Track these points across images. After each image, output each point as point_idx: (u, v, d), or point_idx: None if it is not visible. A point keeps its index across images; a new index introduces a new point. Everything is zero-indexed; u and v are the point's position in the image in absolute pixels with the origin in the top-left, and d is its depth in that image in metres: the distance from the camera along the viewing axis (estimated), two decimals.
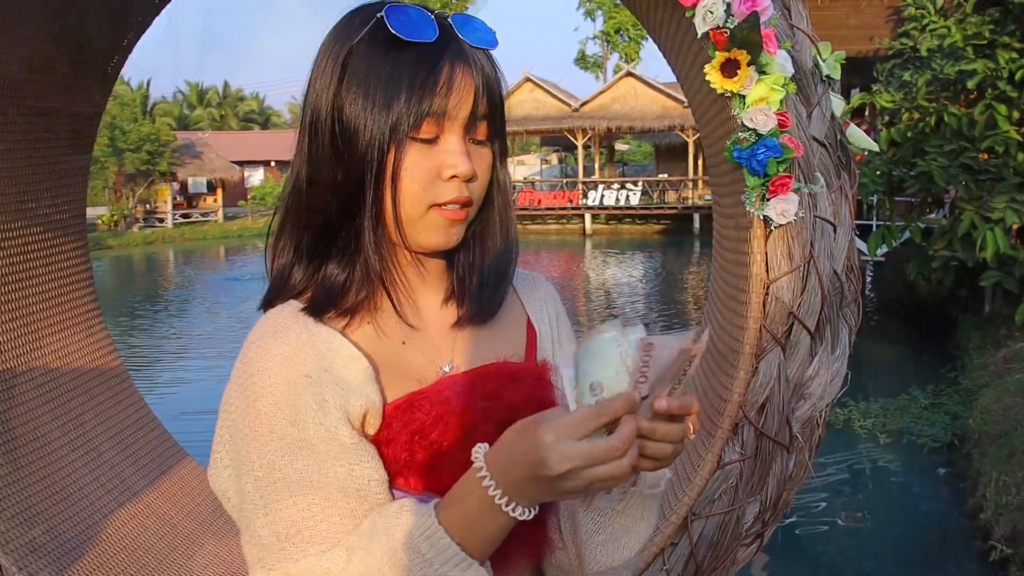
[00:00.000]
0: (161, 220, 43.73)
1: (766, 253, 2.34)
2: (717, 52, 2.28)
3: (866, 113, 17.11)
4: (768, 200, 2.29)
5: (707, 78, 2.31)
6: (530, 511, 1.11)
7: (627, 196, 37.05)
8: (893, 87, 12.55)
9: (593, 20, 57.07)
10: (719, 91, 2.29)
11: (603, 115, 35.82)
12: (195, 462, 3.84)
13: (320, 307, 1.27)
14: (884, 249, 13.10)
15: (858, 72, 16.29)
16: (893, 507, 7.66)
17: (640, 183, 37.73)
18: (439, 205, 1.25)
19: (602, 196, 37.16)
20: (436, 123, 1.23)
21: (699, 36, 2.29)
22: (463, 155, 1.24)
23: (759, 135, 2.25)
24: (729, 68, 2.28)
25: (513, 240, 1.43)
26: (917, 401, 9.73)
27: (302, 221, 1.31)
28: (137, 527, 3.39)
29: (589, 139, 37.90)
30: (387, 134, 1.22)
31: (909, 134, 11.57)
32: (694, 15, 2.29)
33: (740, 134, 2.28)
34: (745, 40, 2.22)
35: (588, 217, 37.12)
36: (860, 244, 14.14)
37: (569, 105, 37.11)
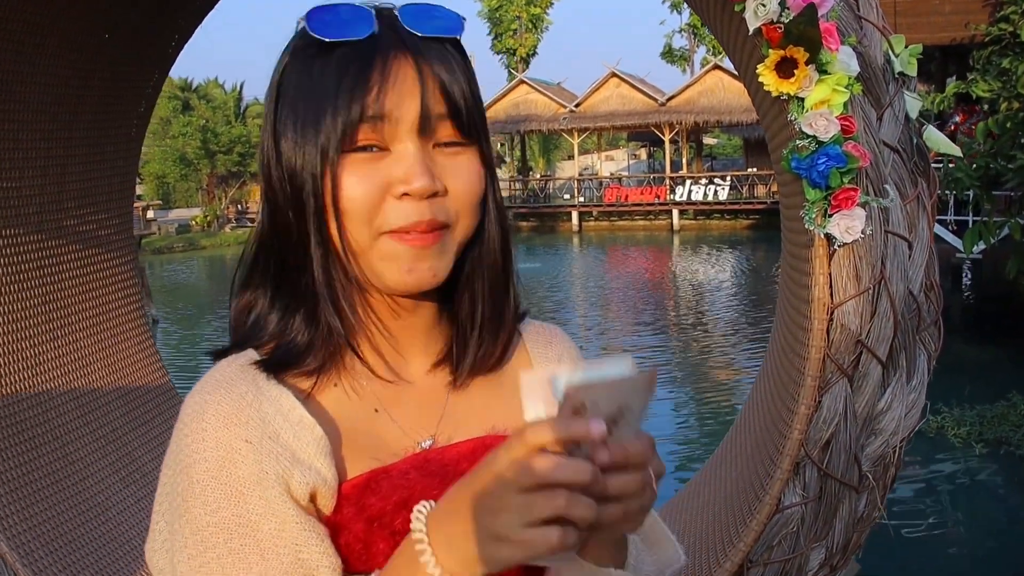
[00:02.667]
0: (252, 220, 44.38)
1: (829, 274, 2.09)
2: (771, 50, 2.04)
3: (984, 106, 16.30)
4: (831, 216, 2.04)
5: (760, 79, 2.07)
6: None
7: (715, 191, 36.38)
8: (991, 75, 11.97)
9: (680, 13, 56.24)
10: (775, 93, 2.05)
11: (690, 109, 35.24)
12: None
13: (277, 365, 1.06)
14: (981, 247, 12.50)
15: (953, 60, 15.63)
16: (988, 520, 7.23)
17: (729, 178, 37.02)
18: (392, 232, 1.01)
19: (690, 191, 36.55)
20: (374, 129, 0.99)
21: (751, 32, 2.05)
22: (417, 164, 1.00)
23: (820, 143, 2.00)
24: (785, 68, 2.03)
25: (512, 273, 1.17)
26: (1017, 408, 9.19)
27: (269, 271, 1.11)
28: None
29: (676, 134, 37.35)
30: (318, 157, 1.00)
31: (1008, 125, 10.99)
32: (744, 9, 2.05)
33: (799, 142, 2.04)
34: (802, 36, 1.97)
35: (676, 213, 36.59)
36: (956, 241, 13.55)
37: (655, 99, 36.60)
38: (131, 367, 3.48)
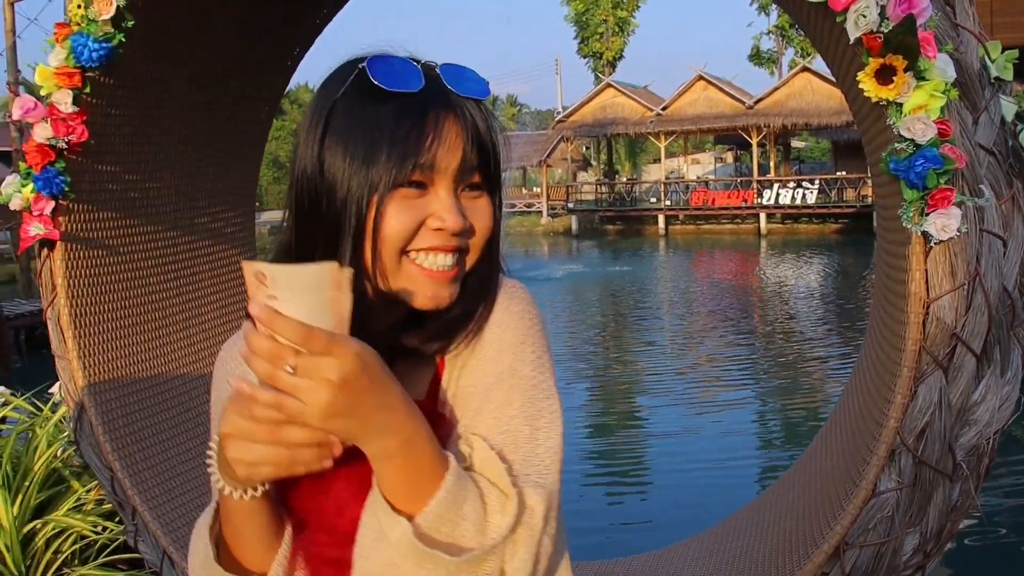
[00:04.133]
0: None
1: (926, 270, 2.20)
2: (871, 58, 2.16)
3: None
4: (928, 215, 2.15)
5: (861, 86, 2.19)
6: (237, 490, 1.14)
7: (803, 195, 35.99)
8: None
9: (767, 15, 55.65)
10: (874, 99, 2.17)
11: (778, 112, 34.94)
12: None
13: None
14: None
15: None
16: None
17: (817, 181, 36.58)
18: (414, 253, 1.20)
19: (777, 195, 36.22)
20: (424, 175, 1.18)
21: (851, 42, 2.17)
22: (453, 208, 1.19)
23: (917, 145, 2.11)
24: (884, 74, 2.15)
25: (490, 300, 1.30)
26: None
27: None
28: None
29: (764, 137, 37.06)
30: (367, 188, 1.17)
31: None
32: (845, 20, 2.17)
33: (897, 144, 2.15)
34: (901, 45, 2.09)
35: (763, 216, 36.30)
36: None
37: (743, 102, 36.36)
38: None
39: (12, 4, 14.23)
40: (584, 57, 49.98)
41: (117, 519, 3.64)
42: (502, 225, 1.31)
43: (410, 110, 1.18)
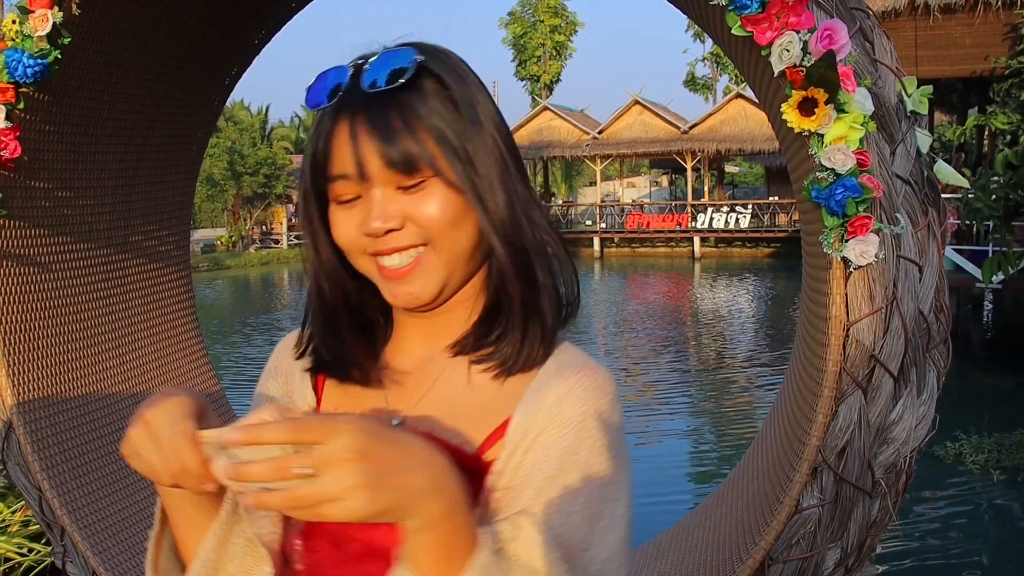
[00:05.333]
0: (276, 241, 45.02)
1: (846, 295, 2.29)
2: (794, 91, 2.25)
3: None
4: (847, 241, 2.24)
5: (784, 117, 2.27)
6: None
7: (736, 219, 36.55)
8: (1010, 108, 12.11)
9: (703, 42, 56.60)
10: (796, 130, 2.25)
11: (712, 137, 35.48)
12: None
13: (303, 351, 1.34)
14: (1000, 277, 12.61)
15: (975, 91, 15.75)
16: (1004, 546, 7.34)
17: (750, 206, 37.18)
18: (376, 254, 1.19)
19: (711, 219, 36.72)
20: (344, 186, 1.17)
21: (776, 74, 2.26)
22: (373, 211, 1.15)
23: (837, 175, 2.21)
24: (807, 106, 2.24)
25: (540, 286, 1.22)
26: None
27: None
28: None
29: (698, 161, 37.56)
30: (311, 209, 1.23)
31: None
32: (770, 53, 2.26)
33: (818, 173, 2.24)
34: (822, 78, 2.18)
35: (697, 240, 36.75)
36: (975, 271, 13.63)
37: (678, 127, 36.86)
38: (187, 372, 3.70)
39: None
40: (521, 80, 50.32)
41: (44, 540, 3.59)
42: (510, 216, 1.20)
43: (321, 125, 1.19)
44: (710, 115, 36.93)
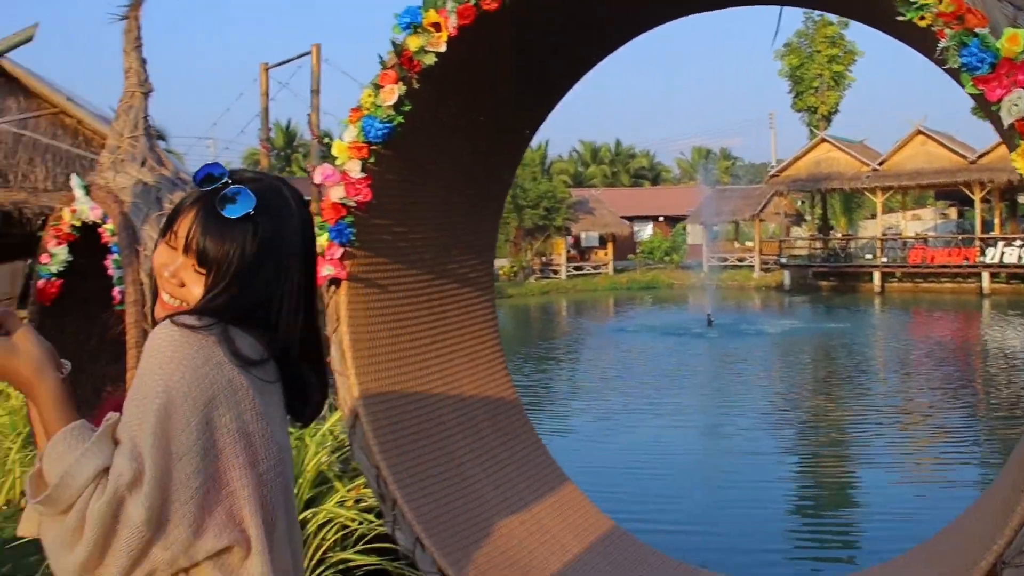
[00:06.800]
0: (556, 272, 46.57)
1: None
2: (1022, 141, 2.59)
3: None
4: None
5: (1014, 164, 2.62)
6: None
7: None
8: None
9: None
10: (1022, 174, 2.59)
11: (1004, 167, 33.52)
12: (574, 485, 4.52)
13: None
14: None
15: None
16: None
17: None
18: None
19: (1002, 253, 34.64)
20: None
21: (1005, 127, 2.61)
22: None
23: None
24: None
25: None
26: None
27: None
28: (524, 534, 4.08)
29: (988, 192, 35.62)
30: None
31: None
32: (1000, 108, 2.61)
33: None
34: None
35: (986, 276, 34.77)
36: None
37: (965, 157, 35.16)
38: (488, 379, 4.38)
39: (267, 70, 15.82)
40: (798, 111, 49.48)
41: (375, 512, 4.36)
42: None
43: None
44: (1000, 143, 34.90)
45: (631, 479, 9.49)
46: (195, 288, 1.70)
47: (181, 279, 1.71)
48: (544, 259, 47.03)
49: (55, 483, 1.51)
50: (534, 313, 34.38)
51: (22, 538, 6.29)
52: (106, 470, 1.52)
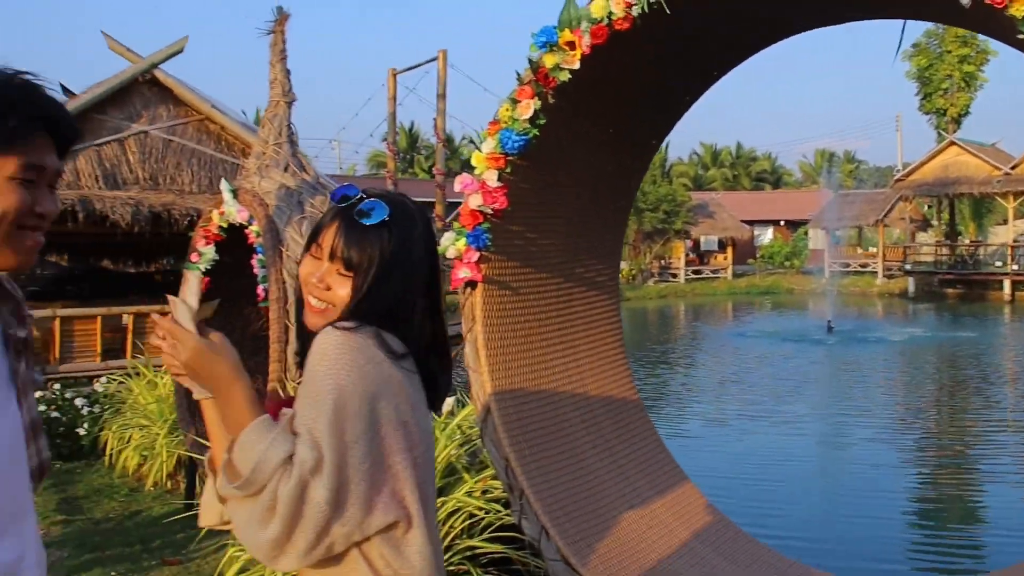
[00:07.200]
0: (674, 275, 46.42)
1: None
2: None
3: None
4: None
5: None
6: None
7: None
8: None
9: None
10: None
11: None
12: (693, 484, 4.68)
13: None
14: None
15: None
16: None
17: None
18: None
19: None
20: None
21: None
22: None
23: None
24: None
25: None
26: None
27: None
28: (644, 527, 4.27)
29: None
30: None
31: None
32: None
33: None
34: None
35: None
36: None
37: None
38: (611, 379, 4.58)
39: (395, 76, 16.28)
40: (926, 114, 48.10)
41: (501, 503, 4.59)
42: None
43: None
44: None
45: (747, 484, 9.53)
46: (340, 290, 1.94)
47: (327, 283, 1.95)
48: (663, 262, 46.89)
49: (252, 467, 1.74)
50: (652, 316, 34.29)
51: (171, 517, 6.78)
52: (290, 458, 1.75)
